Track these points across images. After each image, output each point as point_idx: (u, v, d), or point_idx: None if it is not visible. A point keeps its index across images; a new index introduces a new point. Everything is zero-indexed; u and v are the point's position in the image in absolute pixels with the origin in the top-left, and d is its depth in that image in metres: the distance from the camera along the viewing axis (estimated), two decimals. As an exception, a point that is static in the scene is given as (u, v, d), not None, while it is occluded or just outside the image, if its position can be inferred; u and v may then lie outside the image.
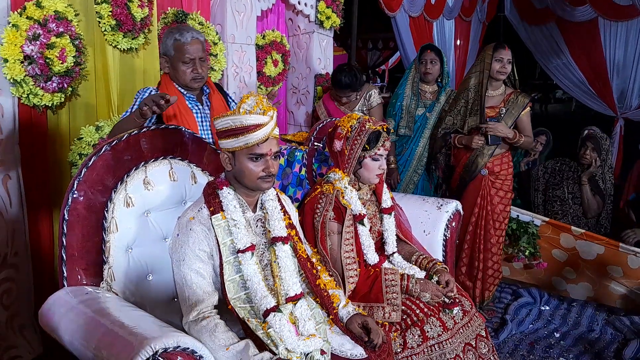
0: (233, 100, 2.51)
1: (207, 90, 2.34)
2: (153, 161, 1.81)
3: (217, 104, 2.36)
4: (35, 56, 2.08)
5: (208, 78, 2.35)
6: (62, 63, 2.16)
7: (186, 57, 2.16)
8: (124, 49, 2.43)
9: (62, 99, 2.24)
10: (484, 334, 2.06)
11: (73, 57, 2.20)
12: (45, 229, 2.35)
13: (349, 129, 2.06)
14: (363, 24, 5.33)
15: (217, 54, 2.80)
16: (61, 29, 2.15)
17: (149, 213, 1.79)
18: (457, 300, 2.04)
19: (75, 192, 1.62)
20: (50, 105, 2.21)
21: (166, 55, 2.21)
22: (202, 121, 2.30)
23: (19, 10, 2.09)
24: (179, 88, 2.23)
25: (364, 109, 3.45)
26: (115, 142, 1.70)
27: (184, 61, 2.17)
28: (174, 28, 2.26)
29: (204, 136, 2.23)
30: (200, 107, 2.30)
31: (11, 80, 2.08)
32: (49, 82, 2.15)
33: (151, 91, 2.15)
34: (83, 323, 1.44)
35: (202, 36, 2.25)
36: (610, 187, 3.84)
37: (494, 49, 2.98)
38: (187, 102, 2.25)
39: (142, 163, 1.78)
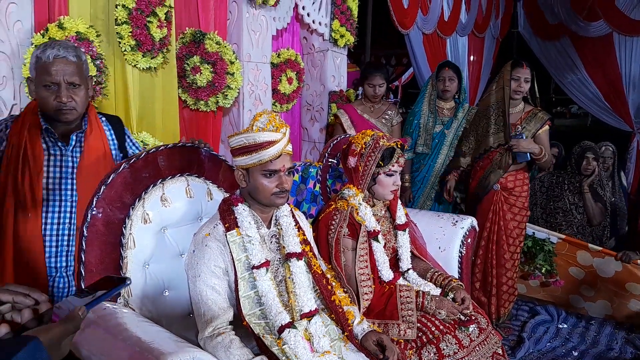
0: (134, 144, 2.10)
1: (85, 126, 1.89)
2: (170, 178, 1.84)
3: (95, 144, 1.90)
4: (57, 76, 2.13)
5: (91, 111, 1.93)
6: (83, 83, 2.20)
7: (47, 80, 1.75)
8: (143, 68, 2.48)
9: (83, 118, 2.29)
10: (500, 352, 2.03)
11: (94, 76, 2.25)
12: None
13: (363, 146, 2.07)
14: (376, 40, 5.38)
15: (234, 73, 2.84)
16: (82, 50, 2.21)
17: (166, 229, 1.81)
18: (473, 318, 2.02)
19: (94, 209, 1.65)
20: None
21: (31, 76, 1.81)
22: (54, 166, 1.84)
23: (41, 31, 2.15)
24: (42, 121, 1.81)
25: (385, 129, 3.47)
26: (133, 160, 1.74)
27: (45, 84, 1.76)
28: (40, 45, 1.81)
29: (56, 188, 1.82)
30: (64, 148, 1.86)
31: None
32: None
33: (7, 122, 1.82)
34: (101, 338, 1.46)
35: (77, 56, 1.81)
36: (622, 202, 3.83)
37: (512, 67, 2.97)
38: (41, 140, 1.81)
39: (160, 180, 1.81)
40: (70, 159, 1.87)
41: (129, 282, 0.95)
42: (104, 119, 2.02)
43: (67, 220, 1.87)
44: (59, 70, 1.75)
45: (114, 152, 2.00)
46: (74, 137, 1.86)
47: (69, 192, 1.87)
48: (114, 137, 2.02)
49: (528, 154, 2.96)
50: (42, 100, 1.78)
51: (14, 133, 1.80)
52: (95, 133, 1.91)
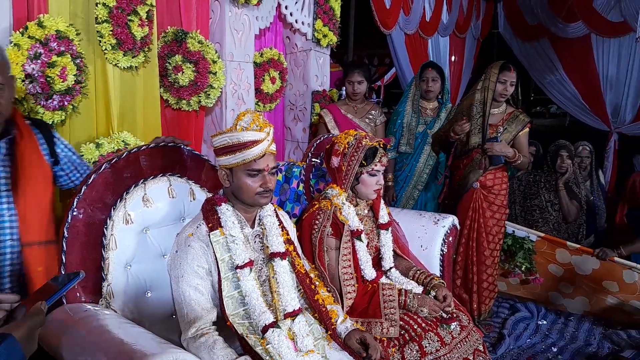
0: (66, 146, 1.94)
1: (13, 132, 1.71)
2: (152, 178, 1.83)
3: (28, 152, 1.71)
4: (36, 75, 2.11)
5: (17, 115, 1.76)
6: (63, 81, 2.18)
7: None
8: (124, 67, 2.46)
9: (63, 117, 2.26)
10: (481, 348, 2.06)
11: (74, 75, 2.22)
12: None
13: (346, 146, 2.08)
14: (359, 40, 5.40)
15: (216, 72, 2.82)
16: (62, 48, 2.18)
17: (148, 230, 1.80)
18: (455, 315, 2.05)
19: (75, 209, 1.64)
20: (51, 123, 2.23)
21: None
22: None
23: (20, 29, 2.12)
24: None
25: (368, 129, 3.49)
26: (115, 159, 1.73)
27: None
28: None
29: None
30: None
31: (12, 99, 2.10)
32: (50, 100, 2.17)
33: None
34: (82, 340, 1.45)
35: None
36: (600, 201, 3.93)
37: (500, 70, 2.98)
38: None
39: (142, 180, 1.80)
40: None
41: (82, 275, 1.02)
42: (29, 122, 1.81)
43: (8, 238, 1.67)
44: None
45: (47, 158, 1.81)
46: (3, 145, 1.67)
47: (4, 207, 1.67)
48: (44, 142, 1.83)
49: (502, 157, 3.00)
50: None
51: None
52: (26, 139, 1.70)
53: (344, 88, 3.64)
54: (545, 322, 3.32)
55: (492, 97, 3.01)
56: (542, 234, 3.49)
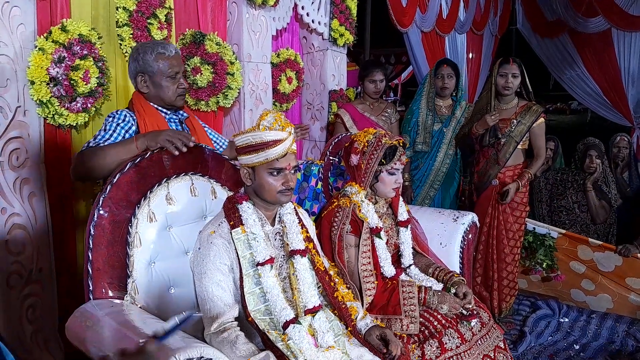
0: (212, 131, 2.38)
1: (185, 115, 2.17)
2: (175, 177, 1.86)
3: (199, 128, 2.20)
4: (60, 78, 2.16)
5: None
6: (86, 84, 2.23)
7: (171, 72, 2.01)
8: (144, 69, 2.50)
9: (86, 119, 2.32)
10: (502, 345, 2.06)
11: (96, 78, 2.28)
12: (70, 245, 2.41)
13: (366, 144, 2.09)
14: (375, 39, 5.41)
15: (234, 73, 2.86)
16: (85, 52, 2.23)
17: (171, 227, 1.84)
18: (475, 312, 2.04)
19: (101, 208, 1.68)
20: (74, 124, 2.28)
21: (144, 72, 2.01)
22: None
23: (45, 34, 2.17)
24: (159, 108, 2.07)
25: (385, 126, 3.49)
26: (139, 159, 1.76)
27: (170, 75, 2.01)
28: (149, 43, 2.08)
29: None
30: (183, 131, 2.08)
31: (37, 102, 2.16)
32: (74, 103, 2.23)
33: (125, 115, 1.99)
34: (109, 335, 1.48)
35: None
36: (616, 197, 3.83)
37: (499, 64, 3.03)
38: (169, 126, 2.07)
39: (165, 179, 1.83)
40: None
41: (195, 315, 1.18)
42: (188, 110, 2.38)
43: None
44: (178, 63, 2.05)
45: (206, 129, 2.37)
46: (182, 119, 2.17)
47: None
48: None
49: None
50: (164, 89, 2.03)
51: None
52: (194, 120, 2.26)
53: (359, 87, 3.65)
54: (567, 320, 3.28)
55: (496, 92, 3.02)
56: (564, 231, 3.46)
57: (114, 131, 1.93)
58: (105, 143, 1.88)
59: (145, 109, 2.03)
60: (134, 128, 1.98)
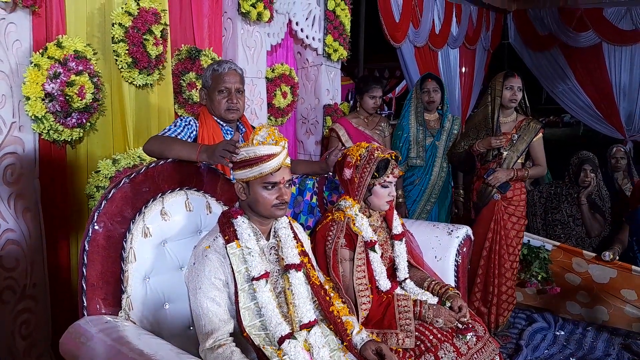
0: None
1: (243, 129, 2.35)
2: (170, 192, 1.86)
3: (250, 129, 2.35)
4: (55, 94, 2.17)
5: (244, 117, 2.37)
6: (81, 100, 2.24)
7: (222, 87, 2.18)
8: (139, 85, 2.52)
9: (81, 134, 2.33)
10: (498, 359, 2.05)
11: (92, 93, 2.29)
12: (64, 261, 2.40)
13: (358, 158, 2.11)
14: (369, 53, 5.45)
15: (229, 88, 2.88)
16: (80, 67, 2.25)
17: (166, 243, 1.83)
18: (471, 326, 2.04)
19: (95, 223, 1.67)
20: (69, 140, 2.29)
21: (205, 86, 2.25)
22: None
23: (40, 50, 2.19)
24: (217, 120, 2.24)
25: (380, 140, 3.51)
26: (134, 174, 1.77)
27: (220, 90, 2.18)
28: (215, 61, 2.36)
29: None
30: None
31: (32, 117, 2.16)
32: (69, 118, 2.24)
33: (191, 120, 2.19)
34: (103, 351, 1.47)
35: (241, 70, 2.28)
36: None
37: (504, 78, 3.05)
38: (224, 136, 2.24)
39: (160, 194, 1.83)
40: None
41: None
42: (248, 124, 2.43)
43: None
44: (230, 79, 2.21)
45: None
46: (241, 137, 2.32)
47: None
48: None
49: (509, 182, 3.04)
50: (215, 102, 2.21)
51: None
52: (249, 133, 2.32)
53: (356, 99, 3.67)
54: (563, 333, 3.28)
55: (500, 105, 3.05)
56: (558, 243, 3.47)
57: (182, 130, 2.13)
58: (174, 135, 2.09)
59: (206, 119, 2.22)
60: (195, 134, 2.18)
